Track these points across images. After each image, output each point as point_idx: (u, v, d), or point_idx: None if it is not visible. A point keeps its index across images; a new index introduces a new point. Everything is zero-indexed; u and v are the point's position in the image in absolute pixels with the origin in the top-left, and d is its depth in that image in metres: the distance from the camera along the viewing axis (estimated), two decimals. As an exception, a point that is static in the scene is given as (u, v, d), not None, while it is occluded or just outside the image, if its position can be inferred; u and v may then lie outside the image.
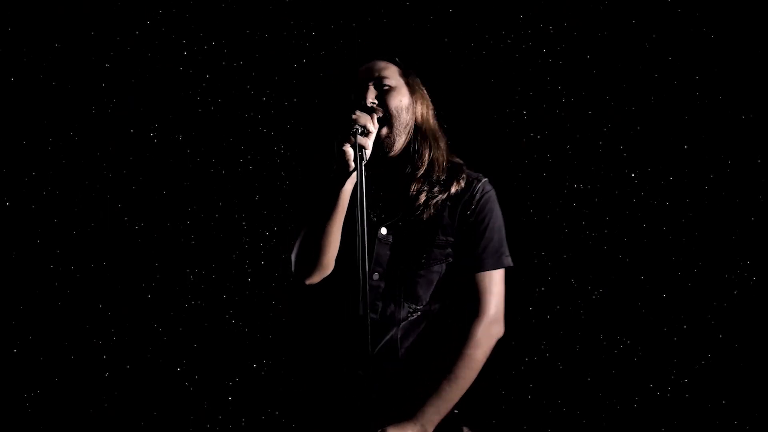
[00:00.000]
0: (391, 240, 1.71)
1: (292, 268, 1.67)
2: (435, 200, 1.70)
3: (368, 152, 1.56)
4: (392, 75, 1.73)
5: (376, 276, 1.70)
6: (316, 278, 1.66)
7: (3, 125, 2.56)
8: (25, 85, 2.56)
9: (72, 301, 2.60)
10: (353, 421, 1.69)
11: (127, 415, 2.62)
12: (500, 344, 2.71)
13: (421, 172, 1.71)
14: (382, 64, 1.75)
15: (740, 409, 2.59)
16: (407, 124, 1.71)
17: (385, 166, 1.69)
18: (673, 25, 2.59)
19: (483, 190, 1.76)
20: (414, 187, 1.70)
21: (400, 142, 1.71)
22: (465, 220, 1.73)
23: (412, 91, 1.74)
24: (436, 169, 1.71)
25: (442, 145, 1.77)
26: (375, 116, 1.62)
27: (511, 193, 2.79)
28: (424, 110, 1.75)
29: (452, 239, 1.73)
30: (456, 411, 1.76)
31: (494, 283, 1.75)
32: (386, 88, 1.70)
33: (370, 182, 1.53)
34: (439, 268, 1.74)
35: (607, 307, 2.66)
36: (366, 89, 1.69)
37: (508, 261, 1.79)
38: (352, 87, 1.71)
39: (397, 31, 2.63)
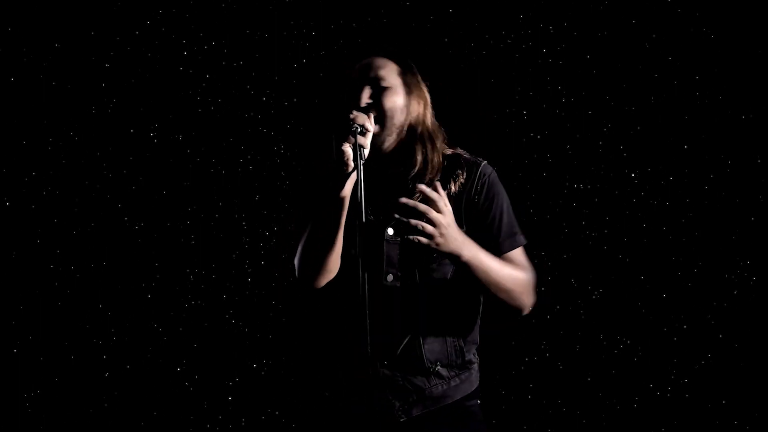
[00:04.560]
0: (399, 239, 1.69)
1: (296, 273, 1.66)
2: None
3: (366, 151, 1.56)
4: (389, 74, 1.70)
5: (390, 277, 1.69)
6: (322, 281, 1.64)
7: (3, 125, 2.57)
8: (25, 85, 2.56)
9: (72, 301, 2.60)
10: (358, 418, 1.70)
11: (127, 415, 2.62)
12: (500, 344, 2.72)
13: (414, 173, 1.69)
14: (380, 61, 1.71)
15: (740, 409, 2.59)
16: (401, 125, 1.69)
17: (376, 162, 1.68)
18: (673, 25, 2.59)
19: (483, 173, 1.74)
20: (409, 188, 1.69)
21: (390, 140, 1.68)
22: (472, 208, 1.72)
23: (409, 91, 1.71)
24: (430, 170, 1.70)
25: (439, 144, 1.73)
26: (372, 116, 1.61)
27: (511, 193, 2.80)
28: (420, 110, 1.71)
29: (463, 229, 1.68)
30: None
31: (515, 261, 1.73)
32: (382, 87, 1.68)
33: (368, 182, 1.52)
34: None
35: (607, 307, 2.66)
36: (361, 88, 1.67)
37: (522, 239, 1.76)
38: (348, 85, 1.69)
39: (396, 31, 2.63)
